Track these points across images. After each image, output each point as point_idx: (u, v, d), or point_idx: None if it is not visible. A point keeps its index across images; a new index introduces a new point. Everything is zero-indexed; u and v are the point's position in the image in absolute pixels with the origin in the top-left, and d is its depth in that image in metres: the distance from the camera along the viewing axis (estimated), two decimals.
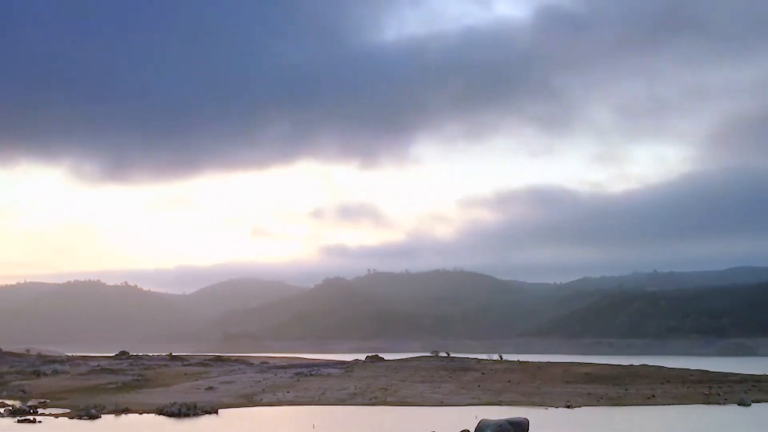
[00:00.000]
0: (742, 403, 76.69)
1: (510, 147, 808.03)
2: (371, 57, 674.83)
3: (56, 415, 70.88)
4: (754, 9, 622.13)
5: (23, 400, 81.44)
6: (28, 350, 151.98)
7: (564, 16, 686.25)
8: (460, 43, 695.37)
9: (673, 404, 77.47)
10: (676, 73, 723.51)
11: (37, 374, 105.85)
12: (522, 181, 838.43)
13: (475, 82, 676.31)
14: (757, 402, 78.51)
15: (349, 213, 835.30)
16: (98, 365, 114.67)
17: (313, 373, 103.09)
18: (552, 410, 72.91)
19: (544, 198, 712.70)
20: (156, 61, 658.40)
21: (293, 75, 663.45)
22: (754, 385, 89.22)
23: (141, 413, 72.30)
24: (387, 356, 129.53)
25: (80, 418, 69.04)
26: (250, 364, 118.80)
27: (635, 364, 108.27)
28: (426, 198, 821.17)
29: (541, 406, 75.35)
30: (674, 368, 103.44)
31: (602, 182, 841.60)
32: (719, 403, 77.88)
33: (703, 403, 78.01)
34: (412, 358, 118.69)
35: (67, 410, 73.88)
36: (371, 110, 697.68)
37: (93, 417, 69.35)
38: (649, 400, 79.58)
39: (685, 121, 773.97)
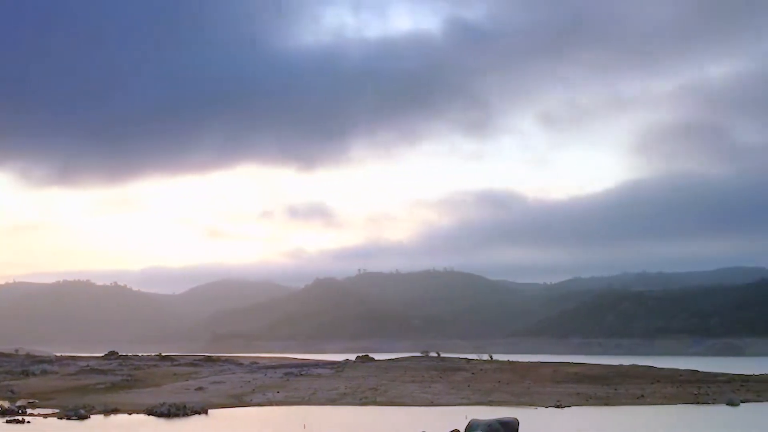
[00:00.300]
0: (731, 403, 77.08)
1: (441, 151, 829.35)
2: (291, 63, 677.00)
3: (45, 416, 70.52)
4: (655, 22, 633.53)
5: (12, 400, 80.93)
6: (16, 350, 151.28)
7: (469, 28, 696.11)
8: (371, 53, 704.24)
9: (662, 404, 77.77)
10: (590, 83, 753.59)
11: (26, 374, 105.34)
12: (468, 184, 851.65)
13: (395, 90, 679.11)
14: (746, 402, 78.97)
15: (305, 214, 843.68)
16: (87, 365, 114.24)
17: (303, 373, 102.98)
18: (542, 410, 73.09)
19: (496, 200, 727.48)
20: (100, 70, 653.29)
21: (224, 81, 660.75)
22: (742, 385, 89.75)
23: (130, 413, 72.03)
24: (377, 356, 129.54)
25: (69, 418, 68.70)
26: (240, 365, 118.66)
27: (624, 364, 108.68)
28: (378, 200, 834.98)
29: (530, 405, 75.52)
30: (663, 368, 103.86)
31: (545, 187, 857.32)
32: (708, 403, 78.28)
33: (693, 403, 78.38)
34: (402, 358, 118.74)
35: (56, 410, 73.47)
36: (303, 115, 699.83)
37: (82, 417, 69.04)
38: (639, 399, 79.88)
39: (606, 129, 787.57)
